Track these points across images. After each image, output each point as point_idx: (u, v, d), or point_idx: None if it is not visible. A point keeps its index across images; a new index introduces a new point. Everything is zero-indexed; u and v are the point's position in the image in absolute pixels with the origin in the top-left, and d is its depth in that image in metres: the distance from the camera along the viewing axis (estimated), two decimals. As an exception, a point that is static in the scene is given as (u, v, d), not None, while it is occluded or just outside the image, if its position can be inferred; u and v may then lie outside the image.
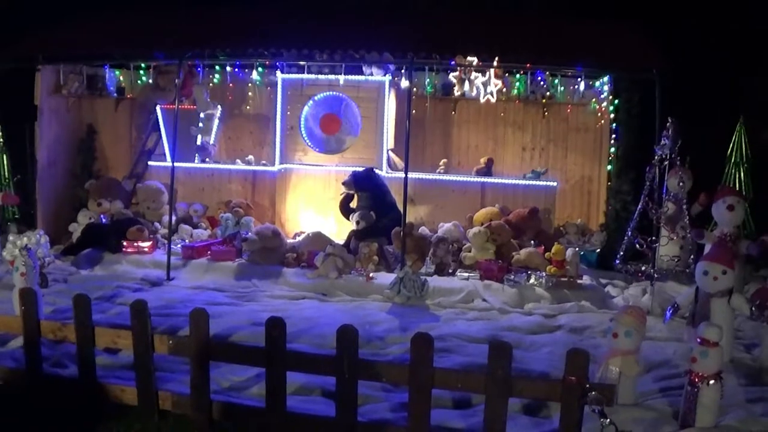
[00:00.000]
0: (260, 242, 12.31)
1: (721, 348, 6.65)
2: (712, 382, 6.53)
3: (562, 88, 14.38)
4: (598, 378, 7.15)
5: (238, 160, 15.31)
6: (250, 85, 15.20)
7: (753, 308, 8.43)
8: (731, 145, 14.40)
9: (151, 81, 15.23)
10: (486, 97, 13.37)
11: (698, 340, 6.63)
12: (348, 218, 13.03)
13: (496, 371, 5.45)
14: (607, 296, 11.47)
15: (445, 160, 14.72)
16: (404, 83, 13.67)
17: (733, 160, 14.39)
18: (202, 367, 6.37)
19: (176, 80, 13.21)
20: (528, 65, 13.08)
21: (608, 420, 5.25)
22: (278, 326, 6.13)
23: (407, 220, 11.99)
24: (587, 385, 5.26)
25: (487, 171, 14.41)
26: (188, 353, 6.41)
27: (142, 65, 15.11)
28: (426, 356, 5.63)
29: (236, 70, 14.70)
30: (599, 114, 14.34)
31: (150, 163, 15.28)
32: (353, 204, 13.18)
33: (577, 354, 5.34)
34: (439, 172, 14.47)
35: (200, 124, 15.12)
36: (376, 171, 13.61)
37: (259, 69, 14.63)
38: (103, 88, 15.69)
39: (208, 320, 6.36)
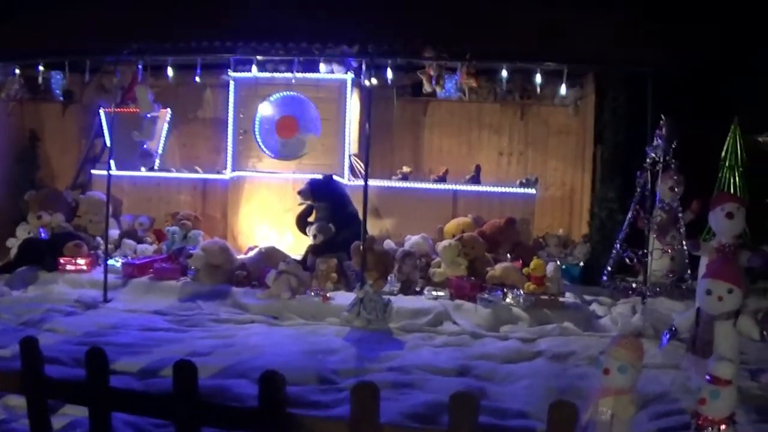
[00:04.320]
0: (206, 258, 11.58)
1: (734, 387, 5.86)
2: (723, 427, 5.79)
3: (543, 88, 13.45)
4: (585, 420, 6.23)
5: (198, 167, 14.71)
6: (205, 86, 14.55)
7: (764, 332, 7.66)
8: (726, 147, 13.85)
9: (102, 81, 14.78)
10: (458, 97, 13.07)
11: (707, 377, 5.85)
12: (305, 233, 12.43)
13: (459, 429, 4.49)
14: (593, 316, 10.79)
15: (407, 168, 14.15)
16: (366, 81, 12.84)
17: (727, 164, 13.80)
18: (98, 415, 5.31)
19: (114, 80, 12.75)
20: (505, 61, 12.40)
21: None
22: (188, 369, 5.06)
23: (370, 233, 11.52)
24: None
25: (476, 178, 13.86)
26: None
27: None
28: (370, 409, 4.66)
29: (189, 69, 13.78)
30: (582, 115, 13.84)
31: (93, 171, 14.70)
32: (312, 218, 12.58)
33: (562, 407, 4.42)
34: (397, 178, 13.95)
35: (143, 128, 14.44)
36: (337, 179, 12.86)
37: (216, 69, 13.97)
38: (48, 91, 15.09)
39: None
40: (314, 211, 12.54)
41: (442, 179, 13.84)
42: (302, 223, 12.54)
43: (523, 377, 8.18)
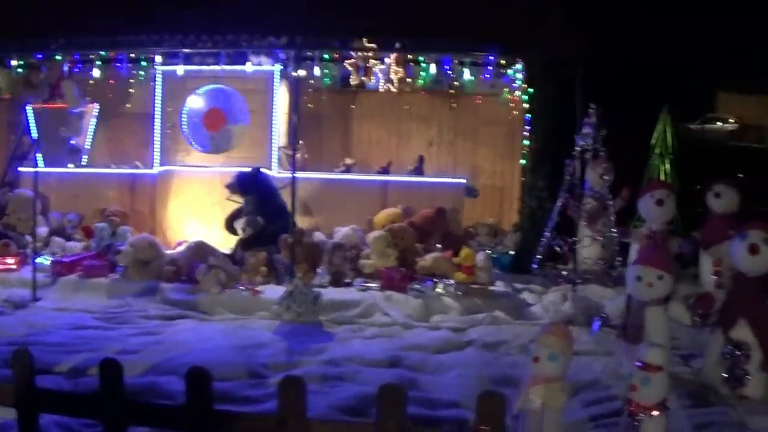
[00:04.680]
0: (135, 254, 11.35)
1: (666, 372, 5.80)
2: (655, 413, 5.72)
3: (472, 77, 13.43)
4: (516, 410, 6.18)
5: (138, 162, 14.41)
6: (131, 80, 14.16)
7: (695, 318, 7.74)
8: (655, 135, 14.02)
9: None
10: (386, 87, 12.81)
11: (638, 363, 5.79)
12: (235, 234, 12.30)
13: (387, 422, 4.44)
14: (523, 304, 10.76)
15: (350, 160, 14.12)
16: (291, 72, 12.76)
17: (657, 152, 13.97)
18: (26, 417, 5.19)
19: (41, 75, 12.75)
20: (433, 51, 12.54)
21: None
22: (113, 368, 4.98)
23: (299, 226, 11.36)
24: None
25: (419, 169, 13.89)
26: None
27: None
28: (297, 404, 4.59)
29: (117, 63, 13.68)
30: (512, 105, 13.74)
31: (21, 169, 14.26)
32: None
33: (491, 398, 4.33)
34: (339, 170, 13.90)
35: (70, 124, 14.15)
36: (265, 171, 12.69)
37: (143, 63, 13.68)
38: (-30, 87, 14.75)
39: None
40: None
41: (385, 171, 13.79)
42: (231, 225, 12.44)
43: (454, 367, 8.14)
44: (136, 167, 14.28)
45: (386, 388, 4.53)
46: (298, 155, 12.99)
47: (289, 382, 4.64)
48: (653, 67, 14.47)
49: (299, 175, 11.22)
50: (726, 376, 7.55)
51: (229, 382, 7.23)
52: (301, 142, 13.45)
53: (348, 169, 13.83)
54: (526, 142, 13.31)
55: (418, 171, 13.78)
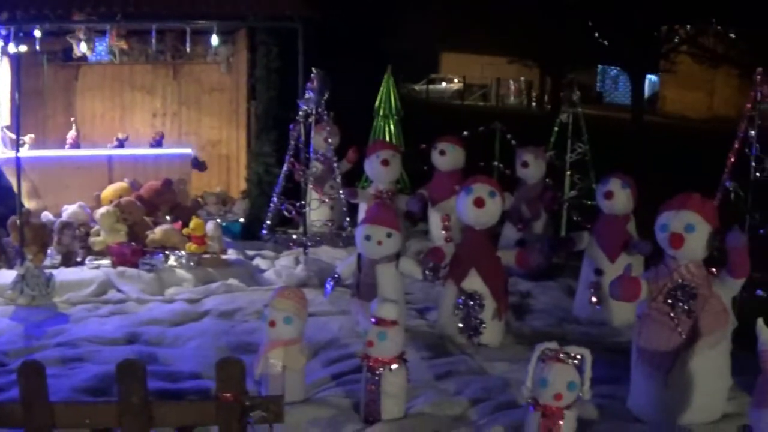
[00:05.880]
0: None
1: (401, 327, 6.07)
2: (394, 366, 5.96)
3: (194, 45, 13.20)
4: (258, 375, 6.34)
5: None
6: None
7: (426, 271, 7.94)
8: (379, 97, 14.17)
9: None
10: (109, 59, 12.66)
11: (372, 320, 5.99)
12: None
13: (130, 399, 4.30)
14: (256, 271, 10.76)
15: (122, 134, 13.48)
16: (12, 48, 12.10)
17: (382, 113, 14.14)
18: None
19: None
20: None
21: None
22: None
23: (26, 206, 10.81)
24: (247, 403, 4.17)
25: (159, 142, 13.52)
26: None
27: None
28: (38, 389, 4.36)
29: None
30: (235, 72, 13.66)
31: None
32: None
33: (228, 364, 4.26)
34: (112, 146, 13.34)
35: None
36: None
37: None
38: None
39: None
40: None
41: (120, 144, 13.36)
42: None
43: (192, 338, 8.11)
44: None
45: (125, 364, 4.39)
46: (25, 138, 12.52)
47: (27, 368, 4.42)
48: (376, 30, 14.68)
49: (24, 154, 10.79)
50: (461, 326, 7.86)
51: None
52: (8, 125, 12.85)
53: (121, 144, 13.36)
54: (251, 109, 13.22)
55: (158, 144, 13.51)
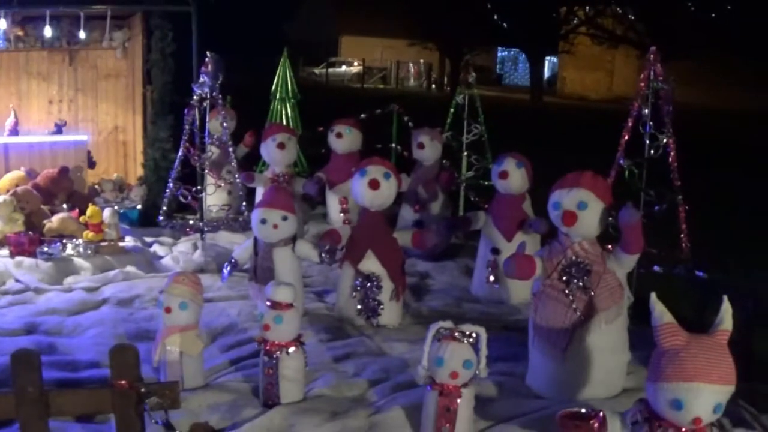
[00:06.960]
0: None
1: (297, 310, 6.13)
2: (292, 349, 5.98)
3: (89, 31, 13.00)
4: (156, 362, 6.32)
5: None
6: None
7: (323, 254, 7.93)
8: (276, 80, 14.20)
9: None
10: (4, 46, 12.27)
11: (268, 303, 6.00)
12: None
13: (25, 389, 4.27)
14: (154, 257, 10.67)
15: (62, 120, 13.22)
16: None
17: (278, 96, 14.18)
18: None
19: None
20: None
21: (174, 433, 4.26)
22: None
23: None
24: (143, 390, 4.16)
25: (59, 131, 13.15)
26: None
27: None
28: None
29: None
30: (131, 57, 13.43)
31: None
32: None
33: (122, 351, 4.26)
34: (51, 132, 13.05)
35: None
36: None
37: None
38: None
39: None
40: None
41: (58, 131, 13.12)
42: None
43: (91, 327, 8.00)
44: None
45: (19, 354, 4.36)
46: None
47: None
48: (275, 13, 14.68)
49: None
50: (360, 307, 7.93)
51: None
52: None
53: (59, 129, 13.12)
54: (147, 95, 13.09)
55: (59, 132, 13.14)
